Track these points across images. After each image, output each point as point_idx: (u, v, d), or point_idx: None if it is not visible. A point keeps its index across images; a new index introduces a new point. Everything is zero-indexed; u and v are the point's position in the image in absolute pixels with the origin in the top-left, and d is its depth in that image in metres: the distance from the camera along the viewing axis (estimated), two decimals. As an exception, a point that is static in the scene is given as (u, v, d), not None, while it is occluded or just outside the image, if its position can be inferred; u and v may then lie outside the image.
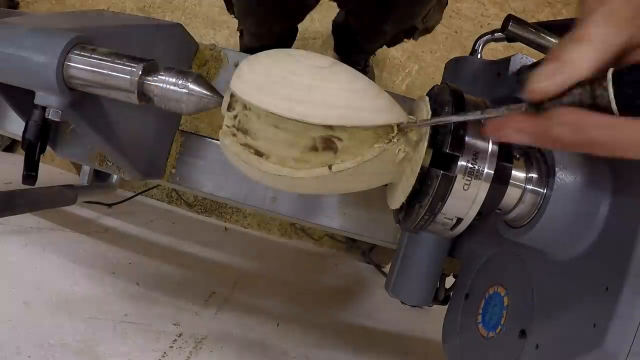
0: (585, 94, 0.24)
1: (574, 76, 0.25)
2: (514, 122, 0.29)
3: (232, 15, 0.98)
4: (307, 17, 1.35)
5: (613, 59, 0.25)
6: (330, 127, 0.33)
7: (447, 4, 0.91)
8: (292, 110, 0.32)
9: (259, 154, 0.34)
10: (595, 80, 0.24)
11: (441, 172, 0.34)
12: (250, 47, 1.22)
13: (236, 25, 1.09)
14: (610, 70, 0.23)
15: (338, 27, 1.16)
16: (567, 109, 0.26)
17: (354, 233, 0.67)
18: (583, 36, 0.25)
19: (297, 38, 1.33)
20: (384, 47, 1.22)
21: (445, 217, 0.36)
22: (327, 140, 0.33)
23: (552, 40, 0.51)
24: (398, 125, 0.35)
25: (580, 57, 0.25)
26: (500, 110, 0.29)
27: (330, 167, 0.34)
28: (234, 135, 0.35)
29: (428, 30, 0.95)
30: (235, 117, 0.35)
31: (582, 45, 0.25)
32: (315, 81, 0.33)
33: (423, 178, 0.35)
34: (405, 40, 1.03)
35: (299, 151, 0.33)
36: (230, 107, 0.35)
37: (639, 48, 0.25)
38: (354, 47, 1.15)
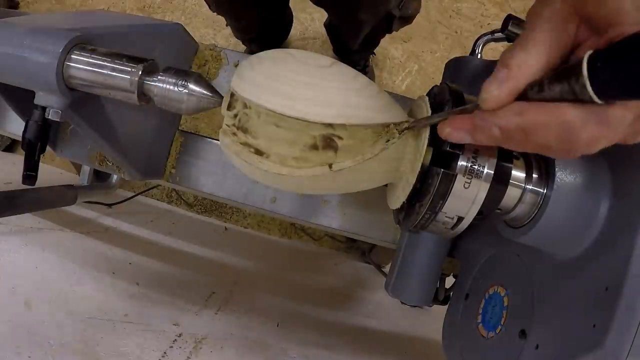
0: (564, 89, 0.24)
1: (522, 81, 0.26)
2: (453, 123, 0.30)
3: (214, 12, 1.01)
4: (308, 16, 1.35)
5: (560, 58, 0.26)
6: (330, 125, 0.33)
7: None
8: (292, 108, 0.32)
9: (259, 153, 0.34)
10: (571, 72, 0.24)
11: (442, 170, 0.34)
12: (241, 39, 1.24)
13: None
14: (585, 62, 0.23)
15: (327, 28, 1.18)
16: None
17: (354, 233, 0.67)
18: (528, 40, 0.26)
19: (297, 38, 1.33)
20: (383, 47, 1.23)
21: (446, 216, 0.36)
22: (327, 139, 0.33)
23: None
24: (398, 124, 0.35)
25: (526, 62, 0.26)
26: (470, 107, 0.29)
27: (330, 166, 0.34)
28: (234, 134, 0.35)
29: (407, 20, 0.94)
30: (236, 116, 0.35)
31: (528, 50, 0.26)
32: (316, 80, 0.33)
33: (424, 177, 0.35)
34: (387, 33, 1.04)
35: (299, 150, 0.33)
36: (230, 107, 0.36)
37: (586, 42, 0.26)
38: (344, 46, 1.16)
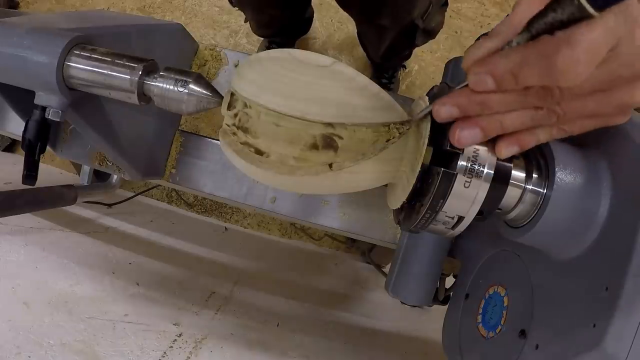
0: (565, 10, 0.25)
1: (498, 42, 0.28)
2: (445, 99, 0.31)
3: (235, 8, 1.00)
4: (308, 17, 1.34)
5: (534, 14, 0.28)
6: (330, 125, 0.33)
7: (446, 3, 0.91)
8: (292, 107, 0.32)
9: (259, 152, 0.34)
10: None
11: (442, 169, 0.34)
12: (260, 35, 1.23)
13: (236, 26, 1.10)
14: None
15: (357, 36, 1.16)
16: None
17: (354, 233, 0.67)
18: (509, 19, 0.29)
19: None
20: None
21: (446, 216, 0.36)
22: (328, 139, 0.33)
23: None
24: (398, 123, 0.35)
25: (509, 24, 0.28)
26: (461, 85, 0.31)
27: (330, 166, 0.34)
28: (234, 134, 0.35)
29: (431, 34, 0.94)
30: (236, 115, 0.35)
31: (507, 24, 0.28)
32: (316, 79, 0.33)
33: (424, 176, 0.35)
34: (410, 47, 1.03)
35: (299, 149, 0.33)
36: (230, 106, 0.36)
37: None
38: (368, 56, 1.16)
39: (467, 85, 0.30)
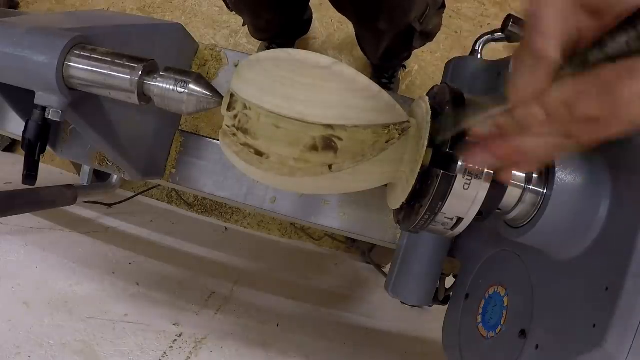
0: (631, 38, 0.23)
1: (550, 68, 0.26)
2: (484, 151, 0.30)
3: (232, 12, 1.00)
4: (308, 16, 1.34)
5: (572, 43, 0.26)
6: (330, 126, 0.33)
7: (443, 5, 0.90)
8: (292, 109, 0.32)
9: (259, 153, 0.34)
10: (634, 20, 0.23)
11: (441, 171, 0.34)
12: (259, 39, 1.23)
13: (236, 26, 1.10)
14: None
15: (355, 38, 1.16)
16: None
17: (354, 233, 0.67)
18: (545, 28, 0.26)
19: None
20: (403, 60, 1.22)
21: (445, 217, 0.36)
22: (327, 140, 0.33)
23: None
24: (398, 124, 0.35)
25: (550, 49, 0.25)
26: (501, 108, 0.29)
27: (330, 167, 0.34)
28: (234, 135, 0.35)
29: (428, 36, 0.94)
30: (236, 116, 0.35)
31: (545, 37, 0.25)
32: (316, 80, 0.33)
33: (423, 178, 0.35)
34: (408, 50, 1.03)
35: (299, 151, 0.33)
36: (230, 107, 0.36)
37: (586, 30, 0.26)
38: (367, 55, 1.15)
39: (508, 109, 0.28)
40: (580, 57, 0.25)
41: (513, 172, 0.37)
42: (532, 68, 0.26)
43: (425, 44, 0.96)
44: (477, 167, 0.33)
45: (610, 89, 0.24)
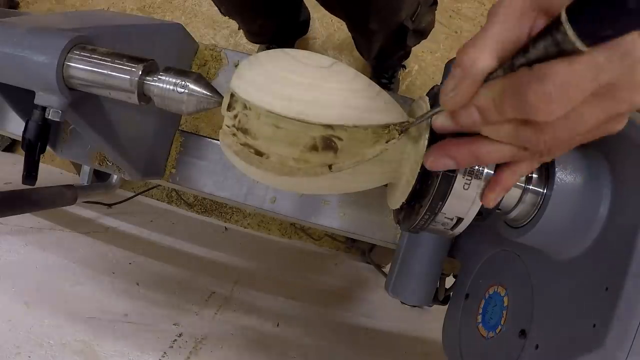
0: (548, 44, 0.24)
1: (477, 77, 0.27)
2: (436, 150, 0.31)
3: (225, 16, 1.00)
4: (308, 16, 1.34)
5: (518, 46, 0.26)
6: (330, 126, 0.33)
7: (435, 2, 0.90)
8: (291, 109, 0.32)
9: (259, 153, 0.34)
10: (552, 27, 0.24)
11: (441, 171, 0.34)
12: (254, 43, 1.23)
13: (236, 26, 1.10)
14: (563, 12, 0.22)
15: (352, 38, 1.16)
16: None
17: (354, 233, 0.67)
18: (479, 38, 0.27)
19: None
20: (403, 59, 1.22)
21: (445, 217, 0.36)
22: (327, 140, 0.33)
23: None
24: (398, 125, 0.35)
25: (479, 59, 0.26)
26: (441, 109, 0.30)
27: (330, 167, 0.34)
28: (234, 135, 0.35)
29: (422, 34, 0.94)
30: (236, 116, 0.35)
31: (477, 47, 0.27)
32: (316, 80, 0.33)
33: (423, 178, 0.35)
34: (402, 48, 1.03)
35: (299, 151, 0.33)
36: (230, 107, 0.35)
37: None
38: (363, 55, 1.15)
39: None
40: (508, 62, 0.26)
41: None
42: (458, 81, 0.27)
43: (419, 42, 0.96)
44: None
45: (521, 91, 0.25)
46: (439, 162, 0.31)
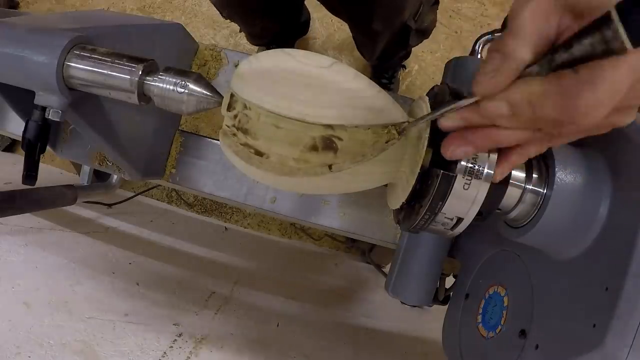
0: (596, 41, 0.24)
1: (516, 67, 0.27)
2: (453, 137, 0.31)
3: (227, 19, 1.00)
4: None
5: (546, 47, 0.27)
6: (330, 126, 0.33)
7: (437, 1, 0.90)
8: (292, 109, 0.32)
9: (259, 153, 0.34)
10: (600, 24, 0.24)
11: (441, 171, 0.34)
12: (255, 45, 1.23)
13: (236, 26, 1.10)
14: (613, 10, 0.22)
15: (353, 39, 1.16)
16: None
17: (354, 233, 0.67)
18: (518, 30, 0.27)
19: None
20: (404, 60, 1.22)
21: (445, 217, 0.36)
22: (327, 140, 0.33)
23: None
24: (397, 125, 0.35)
25: (519, 49, 0.26)
26: (470, 100, 0.30)
27: (330, 167, 0.34)
28: (234, 135, 0.35)
29: (424, 33, 0.94)
30: (236, 116, 0.35)
31: (517, 39, 0.26)
32: (316, 81, 0.33)
33: (423, 178, 0.35)
34: (404, 48, 1.03)
35: (299, 151, 0.33)
36: (230, 107, 0.36)
37: (567, 30, 0.26)
38: (364, 56, 1.15)
39: (476, 102, 0.29)
40: (548, 57, 0.26)
41: (513, 172, 0.37)
42: (498, 65, 0.27)
43: (421, 41, 0.96)
44: (462, 161, 0.33)
45: (570, 96, 0.25)
46: (459, 150, 0.31)
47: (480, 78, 0.28)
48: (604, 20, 0.23)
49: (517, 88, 0.27)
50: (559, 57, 0.25)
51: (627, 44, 0.22)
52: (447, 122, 0.30)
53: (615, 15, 0.22)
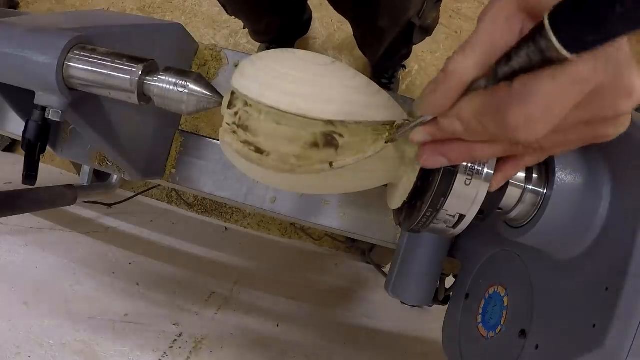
0: (531, 51, 0.22)
1: (459, 85, 0.26)
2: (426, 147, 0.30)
3: (231, 16, 1.00)
4: (308, 16, 1.34)
5: (502, 55, 0.25)
6: (331, 122, 0.33)
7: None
8: (292, 105, 0.32)
9: (259, 151, 0.34)
10: (534, 33, 0.22)
11: (442, 168, 0.34)
12: (258, 41, 1.23)
13: (236, 26, 1.10)
14: (546, 18, 0.21)
15: (354, 38, 1.16)
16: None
17: (354, 233, 0.67)
18: (467, 44, 0.26)
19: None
20: (403, 59, 1.22)
21: (447, 214, 0.36)
22: (328, 137, 0.33)
23: None
24: (395, 128, 0.35)
25: (463, 66, 0.25)
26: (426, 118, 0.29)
27: (331, 164, 0.34)
28: (235, 132, 0.35)
29: (427, 30, 0.94)
30: (236, 114, 0.35)
31: (465, 53, 0.25)
32: (316, 77, 0.33)
33: (424, 175, 0.35)
34: (407, 46, 1.03)
35: (300, 147, 0.33)
36: (231, 105, 0.36)
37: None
38: (367, 55, 1.15)
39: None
40: (493, 70, 0.24)
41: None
42: (438, 85, 0.26)
43: (424, 39, 0.96)
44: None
45: (499, 111, 0.24)
46: (433, 160, 0.30)
47: (421, 98, 0.27)
48: (538, 29, 0.21)
49: (465, 103, 0.26)
50: (500, 70, 0.24)
51: (563, 51, 0.20)
52: (416, 135, 0.30)
53: (547, 23, 0.20)
